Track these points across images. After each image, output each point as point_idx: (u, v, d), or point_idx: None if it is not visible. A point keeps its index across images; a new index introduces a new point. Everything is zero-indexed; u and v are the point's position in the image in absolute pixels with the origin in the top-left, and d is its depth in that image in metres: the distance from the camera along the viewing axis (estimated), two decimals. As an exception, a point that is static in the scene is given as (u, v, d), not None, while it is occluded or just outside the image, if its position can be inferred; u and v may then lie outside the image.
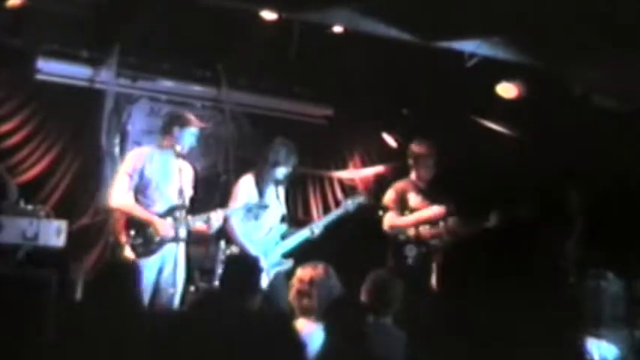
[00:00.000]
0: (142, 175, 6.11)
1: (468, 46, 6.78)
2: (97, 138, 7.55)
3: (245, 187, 6.47)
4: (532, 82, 7.25)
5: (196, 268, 6.71)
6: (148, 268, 5.90)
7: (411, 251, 6.87)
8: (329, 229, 6.67)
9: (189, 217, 6.10)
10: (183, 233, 6.11)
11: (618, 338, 4.22)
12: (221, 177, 8.05)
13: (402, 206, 7.00)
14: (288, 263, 6.50)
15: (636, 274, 5.08)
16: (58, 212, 7.11)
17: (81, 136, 7.62)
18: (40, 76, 7.41)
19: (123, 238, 5.98)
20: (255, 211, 6.37)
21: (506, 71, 7.23)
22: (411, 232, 6.91)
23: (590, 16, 5.85)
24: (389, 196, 7.06)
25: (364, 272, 5.03)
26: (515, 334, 3.52)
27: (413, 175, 7.10)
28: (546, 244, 7.40)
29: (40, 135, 7.49)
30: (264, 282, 6.36)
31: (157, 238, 6.00)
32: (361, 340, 3.89)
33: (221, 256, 6.36)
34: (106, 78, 7.58)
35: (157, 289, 6.00)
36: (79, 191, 7.62)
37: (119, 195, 6.08)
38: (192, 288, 6.61)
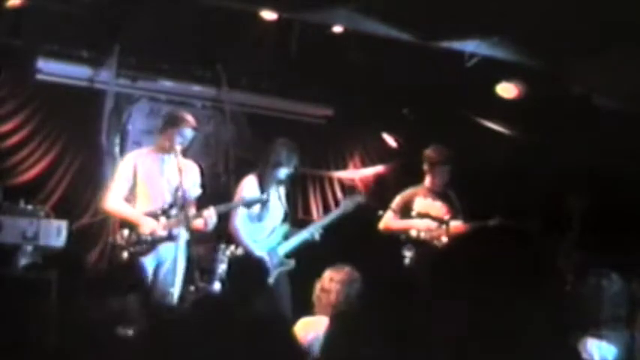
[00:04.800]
0: (135, 177, 6.10)
1: (468, 46, 6.79)
2: (97, 138, 7.55)
3: (248, 188, 6.46)
4: (532, 82, 7.26)
5: (196, 268, 6.70)
6: (144, 267, 5.89)
7: (409, 251, 6.83)
8: (329, 229, 6.67)
9: (188, 216, 6.00)
10: (183, 233, 6.08)
11: (618, 338, 4.22)
12: (221, 177, 8.04)
13: (406, 212, 6.95)
14: (291, 263, 6.51)
15: (636, 274, 5.07)
16: (58, 212, 7.12)
17: (81, 136, 7.62)
18: (40, 76, 7.41)
19: (117, 239, 5.99)
20: (256, 207, 6.33)
21: (506, 71, 7.24)
22: (412, 232, 6.89)
23: (589, 15, 5.85)
24: (395, 202, 7.02)
25: (365, 272, 5.04)
26: (515, 334, 3.51)
27: (427, 182, 6.98)
28: (546, 243, 7.39)
29: (40, 135, 7.49)
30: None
31: (148, 238, 5.97)
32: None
33: (221, 256, 6.36)
34: (106, 78, 7.58)
35: (154, 288, 5.98)
36: (79, 191, 7.62)
37: (111, 198, 6.10)
38: (192, 288, 6.60)
